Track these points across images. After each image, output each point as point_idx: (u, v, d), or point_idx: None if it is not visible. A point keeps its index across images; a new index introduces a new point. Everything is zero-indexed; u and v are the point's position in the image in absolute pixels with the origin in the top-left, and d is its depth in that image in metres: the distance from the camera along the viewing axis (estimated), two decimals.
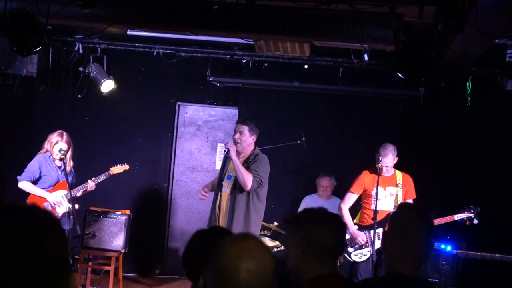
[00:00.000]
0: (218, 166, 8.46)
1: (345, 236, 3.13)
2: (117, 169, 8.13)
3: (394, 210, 6.96)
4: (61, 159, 7.60)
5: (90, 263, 8.50)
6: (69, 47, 9.49)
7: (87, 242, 8.10)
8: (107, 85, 9.37)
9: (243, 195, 6.76)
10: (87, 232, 8.06)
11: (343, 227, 3.15)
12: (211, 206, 6.85)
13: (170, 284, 9.39)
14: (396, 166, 7.35)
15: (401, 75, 6.06)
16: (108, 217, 8.19)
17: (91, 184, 7.84)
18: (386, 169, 7.11)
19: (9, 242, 1.35)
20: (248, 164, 6.80)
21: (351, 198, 7.29)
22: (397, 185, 7.14)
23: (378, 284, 3.16)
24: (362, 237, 7.24)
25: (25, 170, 7.67)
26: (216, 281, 1.88)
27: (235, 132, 6.89)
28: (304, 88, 9.29)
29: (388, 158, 7.07)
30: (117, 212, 8.25)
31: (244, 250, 1.86)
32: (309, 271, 2.91)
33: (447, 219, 7.00)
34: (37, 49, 6.43)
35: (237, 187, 6.78)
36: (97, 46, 9.49)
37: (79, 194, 7.80)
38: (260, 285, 1.83)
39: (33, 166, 7.66)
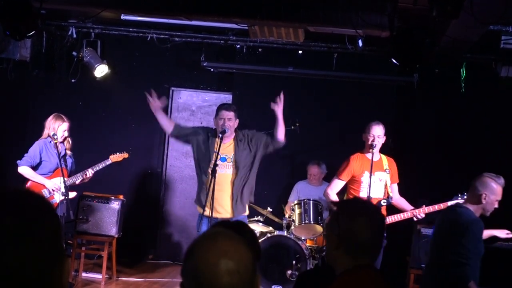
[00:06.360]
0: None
1: (383, 231, 3.02)
2: (116, 157, 8.09)
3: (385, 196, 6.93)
4: (62, 142, 7.57)
5: (83, 248, 8.49)
6: (63, 31, 9.44)
7: (80, 227, 8.09)
8: (101, 70, 9.33)
9: (247, 170, 6.85)
10: (81, 217, 8.05)
11: (382, 221, 3.03)
12: (200, 192, 6.87)
13: (163, 269, 9.40)
14: (388, 151, 7.25)
15: (396, 61, 6.07)
16: (102, 202, 8.18)
17: (90, 173, 7.79)
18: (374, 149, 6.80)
19: (3, 228, 1.35)
20: (244, 141, 6.89)
21: (338, 184, 7.02)
22: (385, 170, 6.96)
23: None
24: None
25: (25, 155, 7.62)
26: None
27: (224, 119, 6.79)
28: (298, 74, 9.27)
29: (382, 132, 6.86)
30: (110, 197, 8.25)
31: (219, 253, 1.79)
32: (341, 265, 2.88)
33: (441, 206, 6.94)
34: (30, 34, 6.41)
35: (241, 164, 6.81)
36: (91, 30, 9.43)
37: (77, 181, 7.76)
38: (244, 282, 1.81)
39: (33, 151, 7.61)
